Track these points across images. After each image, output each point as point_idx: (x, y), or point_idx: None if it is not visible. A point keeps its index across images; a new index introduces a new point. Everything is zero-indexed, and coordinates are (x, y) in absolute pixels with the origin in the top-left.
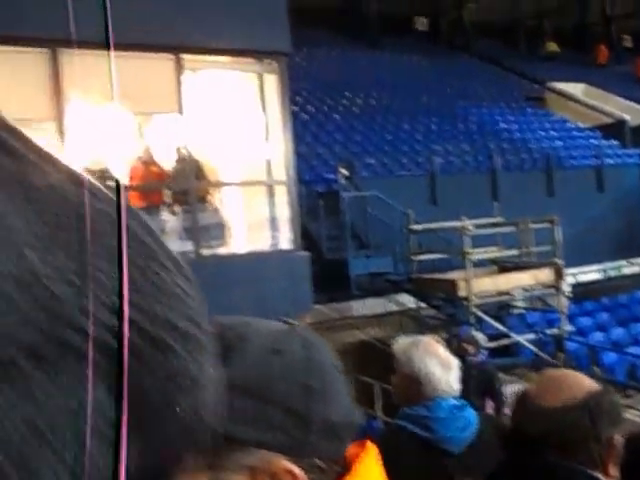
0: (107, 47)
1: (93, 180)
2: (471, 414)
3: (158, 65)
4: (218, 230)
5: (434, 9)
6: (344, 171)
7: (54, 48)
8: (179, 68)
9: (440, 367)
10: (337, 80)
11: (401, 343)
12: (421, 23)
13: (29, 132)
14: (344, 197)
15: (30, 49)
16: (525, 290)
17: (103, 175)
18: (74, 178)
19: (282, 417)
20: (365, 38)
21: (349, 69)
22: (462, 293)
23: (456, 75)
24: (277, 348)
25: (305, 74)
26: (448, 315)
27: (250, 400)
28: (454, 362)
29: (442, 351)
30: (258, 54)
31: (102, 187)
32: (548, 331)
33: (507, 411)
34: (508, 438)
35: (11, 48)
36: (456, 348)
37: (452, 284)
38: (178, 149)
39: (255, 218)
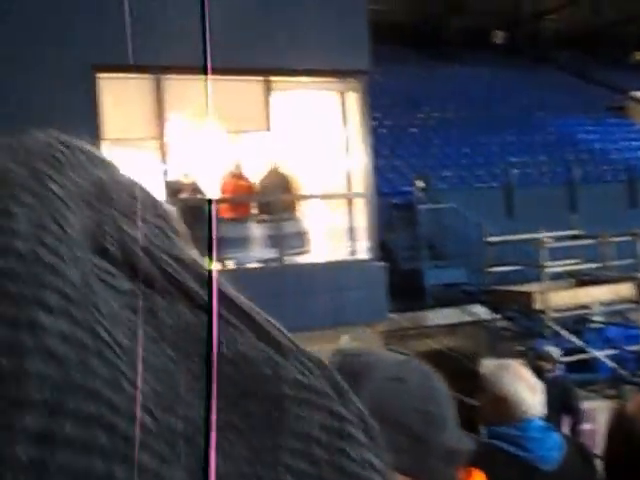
0: (205, 72)
1: (301, 352)
2: (557, 435)
3: (248, 87)
4: (300, 239)
5: (512, 22)
6: (420, 183)
7: (158, 74)
8: (267, 89)
9: (528, 390)
10: (415, 94)
11: (489, 365)
12: (499, 36)
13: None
14: (420, 209)
15: (136, 75)
16: (604, 305)
17: (195, 188)
18: (279, 348)
19: (405, 441)
20: (443, 53)
21: (427, 83)
22: (538, 306)
23: (534, 86)
24: (399, 376)
25: (384, 89)
26: (523, 328)
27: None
28: (540, 386)
29: (529, 375)
30: (340, 74)
31: (309, 358)
32: (628, 347)
33: (584, 427)
34: (605, 466)
35: (119, 75)
36: (532, 363)
37: (528, 296)
38: (267, 164)
39: (335, 228)
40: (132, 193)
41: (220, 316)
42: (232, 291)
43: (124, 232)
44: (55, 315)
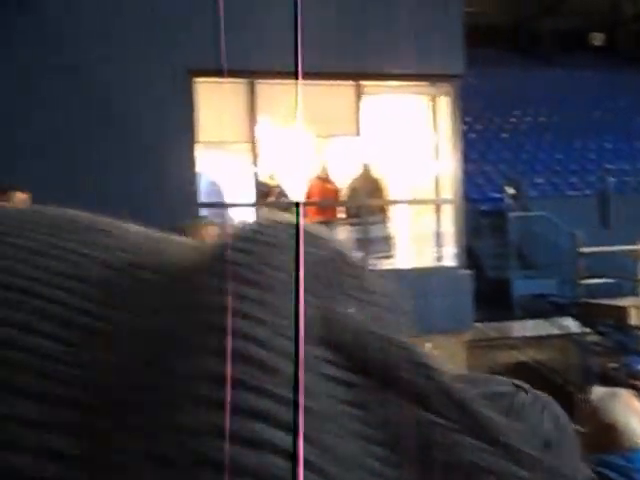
0: (296, 77)
1: (537, 460)
2: None
3: (339, 91)
4: (386, 243)
5: (611, 23)
6: (510, 190)
7: (251, 79)
8: (358, 93)
9: (639, 421)
10: (507, 98)
11: (599, 392)
12: (597, 38)
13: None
14: (510, 216)
15: (231, 80)
16: None
17: (281, 191)
18: (514, 456)
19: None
20: (538, 55)
21: (520, 87)
22: (633, 321)
23: (634, 90)
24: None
25: (475, 93)
26: (616, 343)
27: None
28: None
29: None
30: (432, 78)
31: (547, 466)
32: None
33: None
34: None
35: (214, 79)
36: (625, 381)
37: (622, 311)
38: (356, 168)
39: (421, 234)
40: (353, 272)
41: (437, 413)
42: (448, 380)
43: (345, 316)
44: (268, 423)
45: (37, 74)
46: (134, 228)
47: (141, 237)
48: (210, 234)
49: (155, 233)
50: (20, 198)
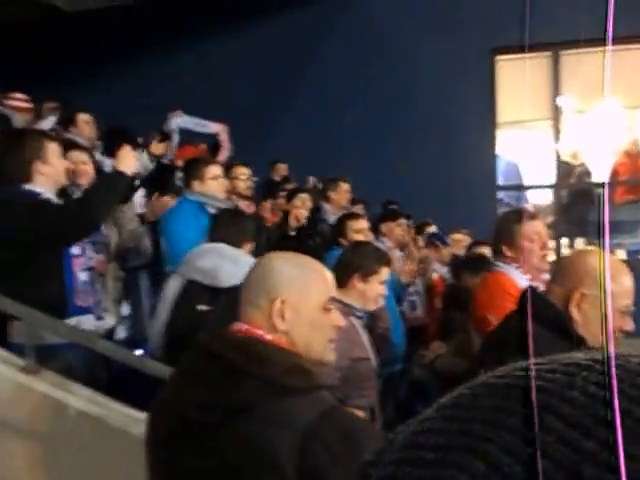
0: (604, 43)
1: None
2: None
3: None
4: None
5: None
6: None
7: (556, 51)
8: None
9: None
10: None
11: None
12: None
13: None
14: None
15: (534, 54)
16: None
17: (584, 170)
18: None
19: None
20: None
21: None
22: None
23: None
24: None
25: None
26: None
27: None
28: None
29: None
30: None
31: None
32: None
33: None
34: None
35: (515, 56)
36: None
37: None
38: None
39: None
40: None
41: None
42: None
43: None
44: None
45: (356, 66)
46: None
47: None
48: (535, 229)
49: None
50: (343, 188)
